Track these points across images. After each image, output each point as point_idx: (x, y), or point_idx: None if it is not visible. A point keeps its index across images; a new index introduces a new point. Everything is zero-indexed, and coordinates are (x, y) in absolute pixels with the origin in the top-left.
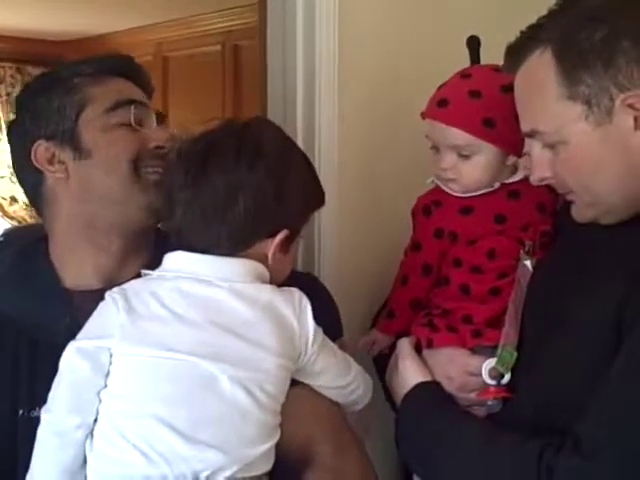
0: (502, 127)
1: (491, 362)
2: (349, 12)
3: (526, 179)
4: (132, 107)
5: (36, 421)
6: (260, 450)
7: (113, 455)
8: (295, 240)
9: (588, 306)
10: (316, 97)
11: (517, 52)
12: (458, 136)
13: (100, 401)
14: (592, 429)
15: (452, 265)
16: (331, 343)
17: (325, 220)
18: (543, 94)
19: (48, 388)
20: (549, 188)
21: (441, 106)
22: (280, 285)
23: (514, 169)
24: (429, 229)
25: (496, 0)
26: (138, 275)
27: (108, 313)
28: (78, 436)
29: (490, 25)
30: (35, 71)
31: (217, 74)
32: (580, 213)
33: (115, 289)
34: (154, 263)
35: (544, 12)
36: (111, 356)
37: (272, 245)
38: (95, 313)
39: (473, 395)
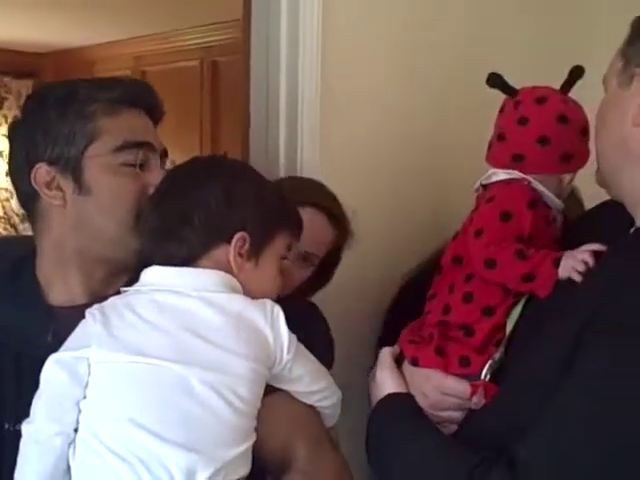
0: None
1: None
2: (332, 28)
3: None
4: (140, 152)
5: (21, 434)
6: (234, 452)
7: (94, 461)
8: (265, 251)
9: (557, 328)
10: (299, 113)
11: None
12: None
13: (80, 411)
14: (528, 451)
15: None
16: (305, 350)
17: None
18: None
19: (32, 402)
20: None
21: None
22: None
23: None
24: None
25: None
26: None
27: (86, 326)
28: (57, 444)
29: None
30: (13, 83)
31: (195, 89)
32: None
33: (94, 306)
34: (135, 279)
35: None
36: (89, 366)
37: (230, 249)
38: (75, 329)
39: (444, 414)
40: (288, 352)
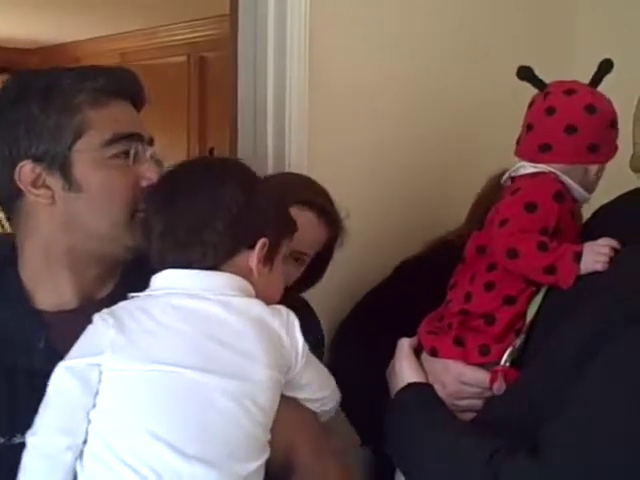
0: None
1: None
2: (320, 23)
3: None
4: (131, 144)
5: (17, 448)
6: (252, 467)
7: (105, 474)
8: (277, 256)
9: (581, 316)
10: (286, 108)
11: None
12: None
13: (90, 422)
14: (552, 435)
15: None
16: (314, 358)
17: None
18: None
19: (28, 414)
20: None
21: None
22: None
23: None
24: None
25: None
26: (113, 292)
27: (97, 331)
28: (67, 458)
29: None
30: None
31: (182, 85)
32: None
33: (104, 310)
34: (125, 280)
35: None
36: (101, 374)
37: (254, 255)
38: (83, 334)
39: (463, 402)
40: (302, 358)
